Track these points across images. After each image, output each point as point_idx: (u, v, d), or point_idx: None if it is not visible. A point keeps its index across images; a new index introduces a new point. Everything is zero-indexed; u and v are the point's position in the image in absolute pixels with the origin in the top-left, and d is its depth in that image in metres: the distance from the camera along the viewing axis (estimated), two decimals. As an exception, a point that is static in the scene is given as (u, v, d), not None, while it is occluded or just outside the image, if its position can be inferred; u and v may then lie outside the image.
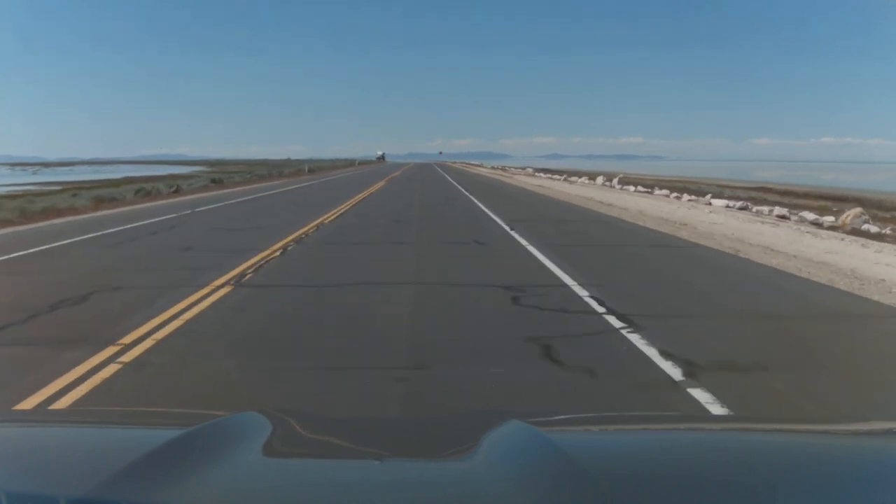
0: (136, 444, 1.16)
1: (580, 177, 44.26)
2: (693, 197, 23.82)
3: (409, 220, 15.57)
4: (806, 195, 28.70)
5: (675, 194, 25.78)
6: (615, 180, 35.53)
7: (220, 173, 45.10)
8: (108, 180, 38.56)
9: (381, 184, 36.50)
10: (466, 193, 27.28)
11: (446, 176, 51.85)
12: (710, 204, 21.10)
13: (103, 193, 22.61)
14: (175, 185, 29.03)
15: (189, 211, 17.81)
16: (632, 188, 30.89)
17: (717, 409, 3.75)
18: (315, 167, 68.86)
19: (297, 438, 1.34)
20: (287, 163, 78.37)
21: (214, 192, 28.15)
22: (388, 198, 24.64)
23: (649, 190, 29.26)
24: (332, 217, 15.95)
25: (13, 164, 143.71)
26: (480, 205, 20.41)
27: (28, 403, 3.83)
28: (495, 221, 15.20)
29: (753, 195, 26.37)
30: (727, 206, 19.68)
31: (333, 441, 1.35)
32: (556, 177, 48.43)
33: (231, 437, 1.17)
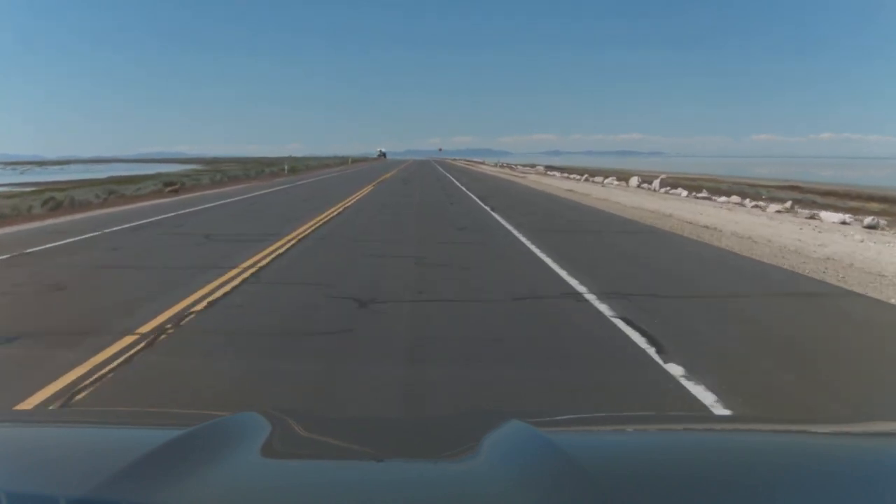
0: (136, 444, 1.16)
1: (605, 177, 36.46)
2: (781, 207, 18.04)
3: (391, 300, 6.78)
4: (846, 195, 25.75)
5: (752, 202, 19.95)
6: (656, 182, 28.01)
7: (206, 172, 42.59)
8: (83, 181, 35.85)
9: (368, 188, 28.07)
10: (486, 207, 18.14)
11: (449, 176, 42.79)
12: (812, 218, 15.52)
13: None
14: (113, 191, 22.94)
15: (13, 254, 10.02)
16: (683, 193, 24.60)
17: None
18: (299, 167, 61.02)
19: (297, 438, 1.34)
20: (287, 161, 75.62)
21: (144, 203, 20.67)
22: (368, 216, 15.95)
23: (707, 196, 22.87)
24: (235, 281, 7.61)
25: (7, 164, 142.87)
26: (525, 240, 11.37)
27: None
28: (596, 311, 6.20)
29: (797, 197, 22.99)
30: (843, 223, 14.38)
31: (333, 441, 1.36)
32: (574, 176, 40.69)
33: (231, 437, 1.18)
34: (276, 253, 9.79)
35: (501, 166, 76.61)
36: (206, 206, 19.63)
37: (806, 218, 15.71)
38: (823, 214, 15.80)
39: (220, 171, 45.69)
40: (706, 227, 13.91)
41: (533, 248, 10.53)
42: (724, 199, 21.86)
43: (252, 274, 8.11)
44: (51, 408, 3.75)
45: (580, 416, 1.71)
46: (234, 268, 8.35)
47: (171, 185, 28.00)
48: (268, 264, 8.85)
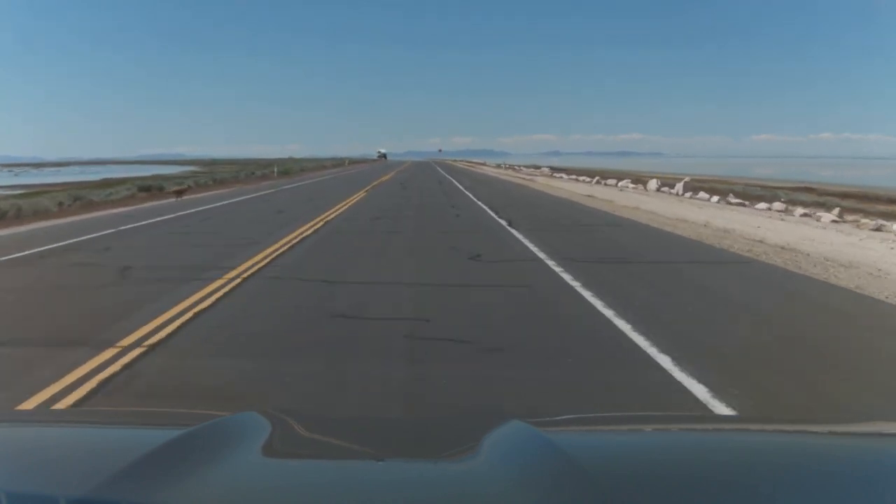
0: (136, 444, 1.16)
1: (618, 179, 33.74)
2: (833, 216, 15.73)
3: None
4: (864, 197, 24.43)
5: (801, 210, 17.40)
6: (679, 186, 25.16)
7: (196, 175, 41.17)
8: (70, 183, 35.63)
9: (359, 195, 23.86)
10: (501, 221, 14.45)
11: (452, 180, 38.62)
12: (879, 230, 13.35)
13: None
14: (79, 198, 20.22)
15: None
16: (713, 198, 22.06)
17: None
18: (293, 169, 57.88)
19: (297, 438, 1.34)
20: (278, 163, 73.30)
21: (104, 213, 18.55)
22: (350, 237, 12.22)
23: (741, 202, 20.70)
24: (92, 382, 4.36)
25: (4, 166, 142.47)
26: (570, 280, 7.85)
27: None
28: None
29: (818, 200, 21.51)
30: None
31: (333, 441, 1.35)
32: (583, 178, 38.29)
33: (231, 437, 1.18)
34: (200, 307, 6.42)
35: (505, 167, 72.49)
36: (164, 217, 16.30)
37: (872, 230, 13.51)
38: (897, 227, 13.50)
39: (209, 173, 44.84)
40: (783, 248, 10.77)
41: (588, 296, 6.81)
42: (763, 205, 19.28)
43: (129, 364, 4.72)
44: (51, 408, 3.74)
45: (580, 416, 1.71)
46: (111, 346, 5.09)
47: (144, 189, 25.65)
48: (175, 332, 5.58)
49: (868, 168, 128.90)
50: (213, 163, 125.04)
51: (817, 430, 1.49)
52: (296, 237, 11.71)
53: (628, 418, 1.79)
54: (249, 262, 8.99)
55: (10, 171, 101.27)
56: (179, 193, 24.59)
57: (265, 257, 9.49)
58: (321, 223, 14.17)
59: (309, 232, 12.56)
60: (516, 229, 12.85)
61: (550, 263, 8.93)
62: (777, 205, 19.29)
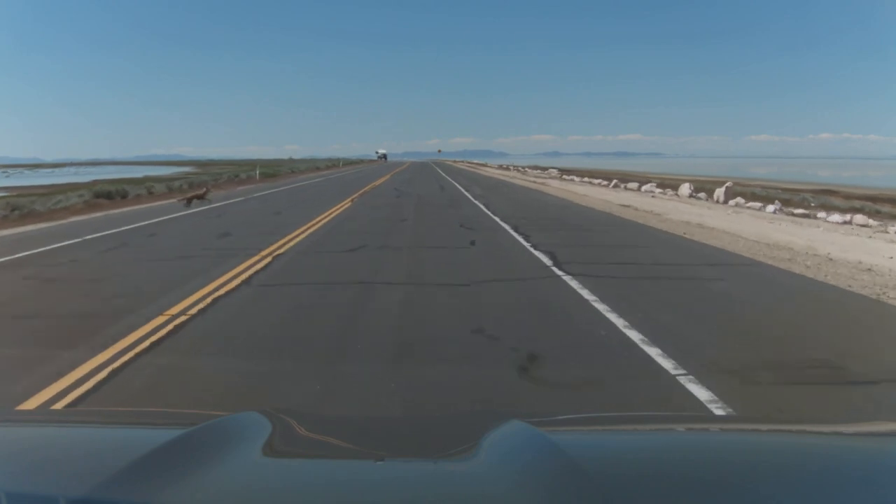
0: (136, 444, 1.16)
1: (640, 182, 30.22)
2: None
3: None
4: (891, 200, 23.49)
5: (880, 225, 14.73)
6: (720, 191, 21.65)
7: (180, 177, 39.06)
8: (56, 185, 35.04)
9: (343, 205, 19.86)
10: (539, 255, 9.66)
11: (456, 185, 33.42)
12: None
13: None
14: (17, 207, 17.46)
15: None
16: (768, 207, 18.48)
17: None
18: (281, 170, 54.64)
19: (297, 438, 1.34)
20: (285, 162, 71.24)
21: (24, 229, 14.69)
22: (311, 277, 8.39)
23: (805, 213, 17.57)
24: None
25: (0, 167, 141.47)
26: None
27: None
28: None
29: (855, 205, 20.23)
30: None
31: (333, 441, 1.35)
32: (599, 181, 34.65)
33: (231, 437, 1.18)
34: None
35: (511, 169, 67.77)
36: (73, 241, 11.94)
37: None
38: None
39: (199, 174, 44.08)
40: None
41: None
42: (837, 217, 15.82)
43: None
44: (51, 408, 3.74)
45: (580, 416, 1.70)
46: None
47: (103, 195, 22.45)
48: None
49: (865, 169, 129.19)
50: (208, 164, 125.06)
51: (817, 430, 1.48)
52: (218, 287, 7.37)
53: (628, 418, 1.78)
54: (114, 351, 4.85)
55: (3, 172, 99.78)
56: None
57: (133, 345, 5.05)
58: (269, 258, 9.52)
59: (237, 282, 7.76)
60: (570, 274, 8.13)
61: (703, 397, 3.93)
62: (859, 217, 15.48)
